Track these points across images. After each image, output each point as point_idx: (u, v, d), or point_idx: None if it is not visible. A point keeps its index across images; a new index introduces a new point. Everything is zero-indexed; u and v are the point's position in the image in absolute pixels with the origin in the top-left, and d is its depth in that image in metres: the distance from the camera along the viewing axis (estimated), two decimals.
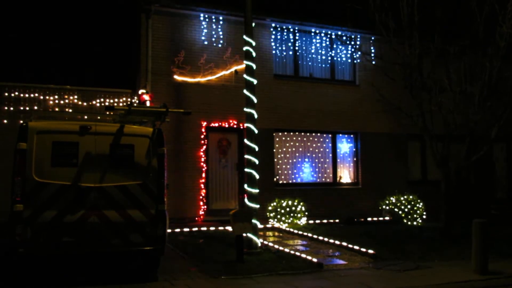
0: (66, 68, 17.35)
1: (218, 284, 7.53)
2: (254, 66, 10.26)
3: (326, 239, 11.08)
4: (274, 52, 15.06)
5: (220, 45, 14.25)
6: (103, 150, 7.40)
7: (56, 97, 12.67)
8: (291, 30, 15.36)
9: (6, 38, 16.95)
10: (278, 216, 13.17)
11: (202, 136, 13.82)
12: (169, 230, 9.50)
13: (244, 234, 9.05)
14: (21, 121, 7.31)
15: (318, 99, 15.31)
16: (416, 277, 8.30)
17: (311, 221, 13.72)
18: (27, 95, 12.42)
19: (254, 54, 10.30)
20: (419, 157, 16.88)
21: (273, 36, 15.04)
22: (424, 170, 16.84)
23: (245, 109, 10.16)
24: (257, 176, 9.98)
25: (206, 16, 14.14)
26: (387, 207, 14.60)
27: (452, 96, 12.08)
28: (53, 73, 16.26)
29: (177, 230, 11.77)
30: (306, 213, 13.55)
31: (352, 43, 15.93)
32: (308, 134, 15.49)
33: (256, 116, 10.13)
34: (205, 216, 13.57)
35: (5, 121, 12.13)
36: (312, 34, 15.71)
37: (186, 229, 11.95)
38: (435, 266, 9.09)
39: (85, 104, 12.91)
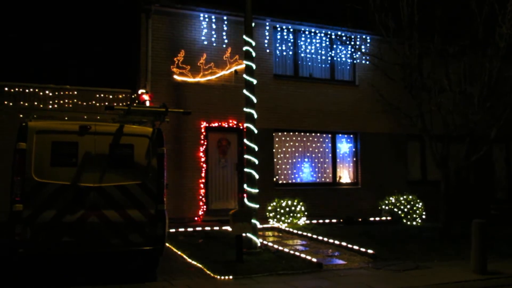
0: (65, 68, 17.35)
1: (217, 284, 7.53)
2: (254, 66, 10.27)
3: (325, 239, 11.09)
4: (274, 52, 15.06)
5: (220, 45, 14.25)
6: (103, 150, 7.40)
7: (56, 96, 12.66)
8: (291, 30, 15.36)
9: (6, 37, 16.95)
10: (278, 216, 13.17)
11: (202, 136, 13.82)
12: (168, 230, 9.51)
13: (244, 234, 9.05)
14: (21, 121, 7.28)
15: (318, 99, 15.32)
16: (415, 277, 8.31)
17: (310, 221, 13.73)
18: (26, 95, 12.41)
19: (254, 54, 10.30)
20: (419, 157, 16.89)
21: (273, 36, 15.04)
22: (423, 170, 16.84)
23: (244, 109, 10.16)
24: (257, 176, 9.98)
25: (206, 16, 14.14)
26: (387, 207, 14.60)
27: (452, 96, 12.08)
28: (53, 73, 16.26)
29: (177, 230, 11.77)
30: (306, 213, 13.55)
31: (352, 43, 15.93)
32: (307, 134, 15.49)
33: (255, 116, 10.13)
34: (204, 216, 13.57)
35: (5, 120, 12.11)
36: (312, 34, 15.71)
37: (185, 229, 11.94)
38: (434, 266, 9.09)
39: (84, 104, 12.91)
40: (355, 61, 16.14)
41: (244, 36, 10.24)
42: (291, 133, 15.28)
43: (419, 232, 12.38)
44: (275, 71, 15.08)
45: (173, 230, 11.61)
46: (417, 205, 14.28)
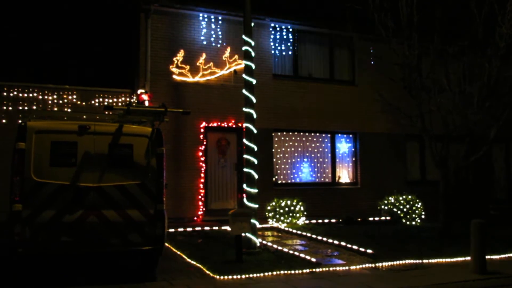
0: (65, 68, 17.33)
1: (217, 283, 7.53)
2: (253, 66, 10.26)
3: (325, 239, 11.08)
4: (273, 52, 15.05)
5: (219, 45, 14.25)
6: (102, 150, 7.39)
7: (55, 96, 12.66)
8: (291, 30, 15.36)
9: (5, 37, 16.93)
10: (277, 216, 13.17)
11: (201, 136, 13.82)
12: (168, 230, 9.50)
13: (243, 234, 9.05)
14: (20, 121, 7.28)
15: (317, 99, 15.31)
16: (415, 277, 8.31)
17: (310, 221, 13.73)
18: (25, 95, 12.40)
19: (253, 54, 10.30)
20: (418, 157, 16.89)
21: (272, 36, 15.03)
22: (423, 170, 16.85)
23: (244, 109, 10.16)
24: (256, 176, 9.98)
25: (205, 16, 14.13)
26: (386, 207, 14.60)
27: (451, 96, 12.09)
28: (52, 73, 16.25)
29: (176, 229, 11.77)
30: (305, 213, 13.55)
31: (351, 43, 15.92)
32: (307, 134, 15.49)
33: (255, 116, 10.13)
34: (204, 216, 13.57)
35: (4, 120, 12.11)
36: (312, 34, 15.70)
37: (184, 229, 11.94)
38: (434, 266, 9.10)
39: (84, 103, 12.89)
40: (354, 61, 16.13)
41: (244, 36, 10.23)
42: (291, 133, 15.28)
43: (419, 232, 12.39)
44: (275, 71, 15.07)
45: (173, 230, 11.60)
46: (416, 205, 14.29)
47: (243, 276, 7.90)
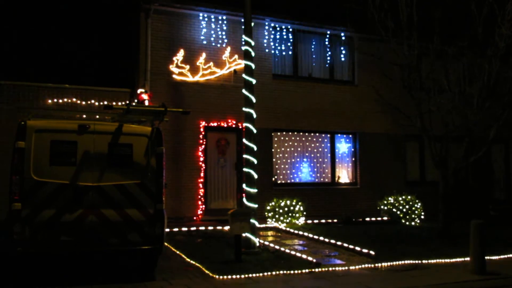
0: (65, 67, 17.34)
1: (216, 283, 7.53)
2: (253, 66, 10.26)
3: (324, 239, 11.08)
4: (273, 51, 15.05)
5: (219, 45, 14.24)
6: (102, 149, 7.39)
7: (55, 96, 12.65)
8: (290, 29, 15.36)
9: (5, 36, 16.93)
10: (277, 216, 13.17)
11: (201, 136, 13.82)
12: (167, 230, 9.50)
13: (243, 234, 9.05)
14: (20, 120, 7.27)
15: (317, 99, 15.32)
16: (414, 277, 8.31)
17: (309, 221, 13.74)
18: (25, 94, 12.39)
19: (253, 53, 10.29)
20: (418, 157, 16.89)
21: (272, 36, 15.03)
22: (422, 171, 16.86)
23: (244, 109, 10.16)
24: (256, 176, 9.98)
25: (205, 15, 14.13)
26: (385, 207, 14.60)
27: (451, 96, 12.09)
28: (52, 72, 16.26)
29: (175, 229, 11.77)
30: (305, 213, 13.56)
31: (351, 43, 15.93)
32: (306, 134, 15.49)
33: (254, 115, 10.13)
34: (203, 216, 13.57)
35: (4, 119, 12.10)
36: (311, 34, 15.70)
37: (184, 229, 11.95)
38: (433, 266, 9.10)
39: (83, 103, 12.90)
40: (354, 61, 16.14)
41: (243, 36, 10.23)
42: (290, 133, 15.28)
43: (418, 232, 12.39)
44: (274, 71, 15.07)
45: (172, 229, 11.61)
46: (415, 205, 14.29)
47: (243, 276, 7.89)
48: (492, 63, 11.77)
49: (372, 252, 9.61)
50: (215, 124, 13.99)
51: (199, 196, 13.59)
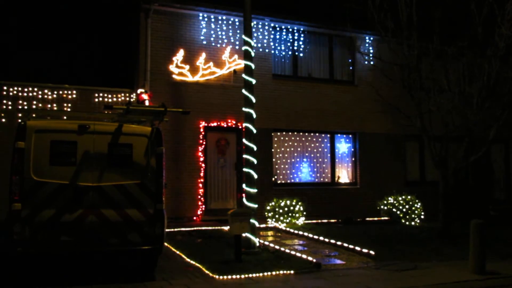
0: (64, 67, 17.34)
1: (216, 283, 7.53)
2: (253, 66, 10.26)
3: (324, 239, 11.08)
4: (273, 51, 15.06)
5: (219, 45, 14.25)
6: (102, 149, 7.39)
7: (55, 96, 12.65)
8: (290, 29, 15.36)
9: (5, 36, 16.93)
10: (277, 216, 13.17)
11: (201, 136, 13.82)
12: (167, 230, 9.49)
13: (243, 234, 9.05)
14: (19, 120, 7.27)
15: (317, 99, 15.32)
16: (414, 277, 8.31)
17: (309, 221, 13.73)
18: (25, 94, 12.40)
19: (253, 53, 10.29)
20: (417, 157, 16.90)
21: (272, 36, 15.03)
22: (422, 171, 16.86)
23: (243, 109, 10.16)
24: (256, 176, 9.98)
25: (205, 15, 14.13)
26: (385, 207, 14.60)
27: (451, 96, 12.09)
28: (52, 72, 16.25)
29: (175, 229, 11.77)
30: (304, 213, 13.56)
31: (351, 43, 15.93)
32: (306, 134, 15.50)
33: (254, 115, 10.13)
34: (203, 216, 13.57)
35: (3, 119, 12.10)
36: (311, 33, 15.71)
37: (184, 229, 11.94)
38: (433, 266, 9.10)
39: (83, 103, 12.88)
40: (354, 61, 16.14)
41: (243, 36, 10.23)
42: (290, 133, 15.28)
43: (418, 232, 12.39)
44: (274, 71, 15.07)
45: (172, 229, 11.61)
46: (415, 205, 14.29)
47: (242, 276, 7.90)
48: (492, 63, 11.77)
49: (372, 252, 9.62)
50: (215, 124, 13.99)
51: (199, 196, 13.59)
